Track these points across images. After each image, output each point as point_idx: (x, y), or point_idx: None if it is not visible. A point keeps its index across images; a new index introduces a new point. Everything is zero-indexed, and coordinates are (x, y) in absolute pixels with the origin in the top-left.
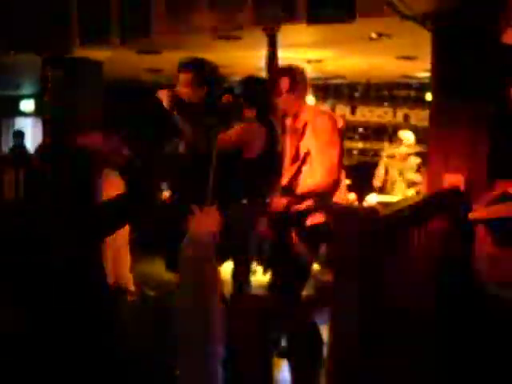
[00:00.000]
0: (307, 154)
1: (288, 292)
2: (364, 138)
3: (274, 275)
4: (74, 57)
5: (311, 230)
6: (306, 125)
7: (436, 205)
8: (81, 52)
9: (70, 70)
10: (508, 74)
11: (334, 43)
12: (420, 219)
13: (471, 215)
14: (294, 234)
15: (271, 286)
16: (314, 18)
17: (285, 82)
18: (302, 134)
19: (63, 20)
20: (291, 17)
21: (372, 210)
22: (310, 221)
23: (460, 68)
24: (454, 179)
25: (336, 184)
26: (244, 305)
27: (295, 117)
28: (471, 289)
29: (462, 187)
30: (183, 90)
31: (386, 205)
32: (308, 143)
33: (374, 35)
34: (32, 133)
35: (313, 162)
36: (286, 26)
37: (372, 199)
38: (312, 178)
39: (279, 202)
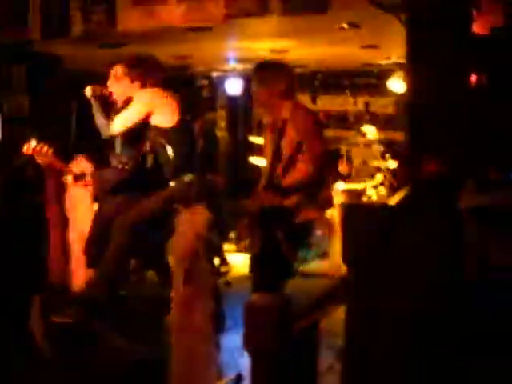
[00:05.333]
0: (290, 150)
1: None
2: (325, 126)
3: (257, 273)
4: (34, 51)
5: (299, 228)
6: (285, 121)
7: (424, 194)
8: (40, 46)
9: (31, 65)
10: (475, 63)
11: (302, 33)
12: (413, 210)
13: (461, 204)
14: (280, 232)
15: (256, 284)
16: (287, 10)
17: (254, 77)
18: (283, 130)
19: (23, 12)
20: (264, 8)
21: (379, 205)
22: (298, 218)
23: (433, 57)
24: (433, 165)
25: (321, 177)
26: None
27: (274, 113)
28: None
29: (443, 174)
30: None
31: (352, 192)
32: (290, 139)
33: (345, 25)
34: None
35: (296, 157)
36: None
37: (339, 187)
38: (297, 172)
39: (267, 196)
